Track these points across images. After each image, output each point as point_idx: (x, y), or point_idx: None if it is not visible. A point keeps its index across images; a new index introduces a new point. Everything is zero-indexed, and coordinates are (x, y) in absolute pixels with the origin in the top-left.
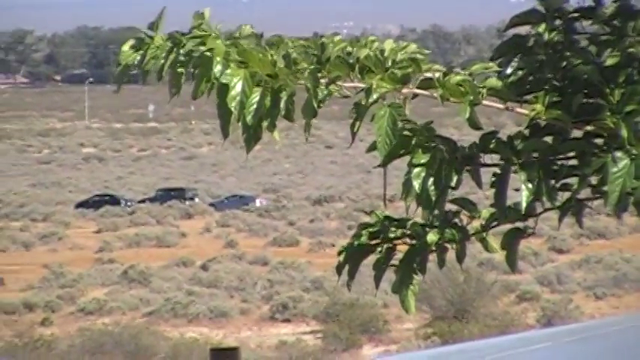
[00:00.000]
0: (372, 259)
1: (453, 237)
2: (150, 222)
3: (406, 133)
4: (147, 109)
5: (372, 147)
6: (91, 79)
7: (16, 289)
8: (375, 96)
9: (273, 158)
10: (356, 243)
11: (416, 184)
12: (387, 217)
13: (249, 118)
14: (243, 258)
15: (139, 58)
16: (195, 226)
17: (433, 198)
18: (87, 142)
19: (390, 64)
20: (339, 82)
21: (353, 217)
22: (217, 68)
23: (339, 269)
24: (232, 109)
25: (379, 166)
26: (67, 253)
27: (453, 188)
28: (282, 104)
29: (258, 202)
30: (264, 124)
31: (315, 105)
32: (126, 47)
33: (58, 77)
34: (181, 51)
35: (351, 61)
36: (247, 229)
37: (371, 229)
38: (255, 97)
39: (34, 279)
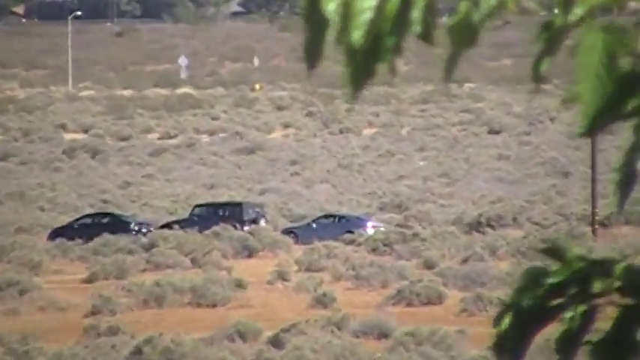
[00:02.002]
0: (553, 329)
1: None
2: (181, 262)
3: (634, 77)
4: (176, 64)
5: (572, 101)
6: (77, 12)
7: None
8: (579, 11)
9: (398, 150)
10: (526, 302)
11: None
12: (581, 258)
13: (357, 34)
14: (344, 325)
15: None
16: (261, 270)
17: None
18: (71, 124)
19: None
20: None
21: (537, 250)
22: None
23: (498, 346)
24: (328, 17)
25: (582, 135)
26: (37, 317)
27: None
28: (415, 13)
29: (371, 228)
30: (384, 45)
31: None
32: None
33: (19, 9)
34: None
35: None
36: (352, 274)
37: (554, 279)
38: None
39: None
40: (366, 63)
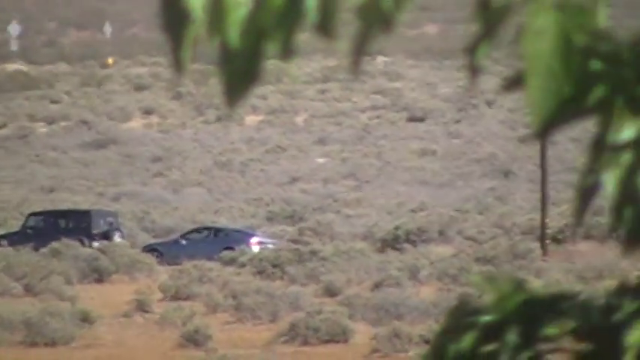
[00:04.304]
0: None
1: None
2: (11, 288)
3: (595, 65)
4: (5, 32)
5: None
6: None
7: None
8: None
9: (292, 143)
10: (453, 348)
11: (611, 186)
12: (525, 290)
13: (233, 33)
14: None
15: None
16: (115, 298)
17: None
18: None
19: None
20: None
21: (470, 272)
22: None
23: None
24: (192, 13)
25: (534, 138)
26: None
27: None
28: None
29: (256, 244)
30: (270, 45)
31: None
32: None
33: None
34: None
35: None
36: (232, 303)
37: (489, 317)
38: None
39: None
40: (246, 67)
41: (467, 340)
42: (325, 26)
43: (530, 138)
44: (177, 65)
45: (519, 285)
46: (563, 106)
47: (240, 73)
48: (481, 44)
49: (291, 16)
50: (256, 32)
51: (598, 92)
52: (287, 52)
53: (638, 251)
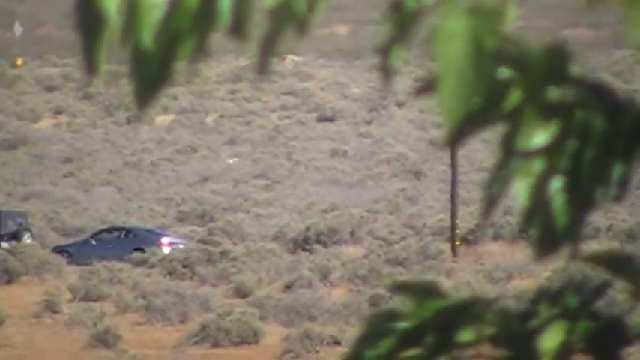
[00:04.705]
0: None
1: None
2: None
3: (506, 73)
4: None
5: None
6: None
7: None
8: None
9: (202, 143)
10: (371, 353)
11: (522, 193)
12: (441, 295)
13: (146, 36)
14: None
15: None
16: (24, 299)
17: (566, 230)
18: None
19: None
20: None
21: (381, 273)
22: None
23: None
24: (106, 16)
25: (445, 144)
26: None
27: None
28: (223, 3)
29: (167, 244)
30: (183, 47)
31: None
32: None
33: None
34: None
35: None
36: (142, 304)
37: (406, 323)
38: None
39: None
40: (158, 71)
41: (384, 346)
42: (238, 28)
43: (442, 143)
44: (90, 67)
45: (434, 289)
46: (474, 112)
47: (151, 76)
48: (394, 46)
49: (204, 18)
50: (170, 35)
51: (509, 98)
52: (200, 54)
53: (549, 256)
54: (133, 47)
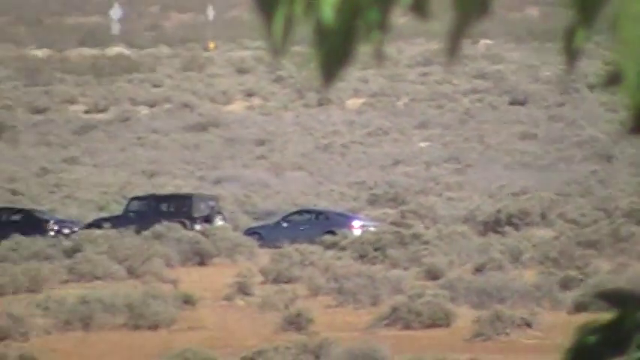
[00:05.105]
0: None
1: None
2: (113, 271)
3: None
4: (107, 16)
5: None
6: None
7: None
8: None
9: (393, 127)
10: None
11: None
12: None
13: (327, 10)
14: (323, 353)
15: None
16: (216, 282)
17: None
18: None
19: None
20: None
21: (572, 256)
22: None
23: None
24: None
25: (630, 132)
26: None
27: None
28: None
29: (358, 227)
30: (365, 23)
31: None
32: None
33: None
34: None
35: None
36: (334, 287)
37: (614, 319)
38: None
39: None
40: (341, 46)
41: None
42: (419, 6)
43: (626, 133)
44: (273, 44)
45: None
46: None
47: (335, 52)
48: (578, 28)
49: None
50: (351, 10)
51: None
52: (382, 30)
53: None
54: (315, 23)
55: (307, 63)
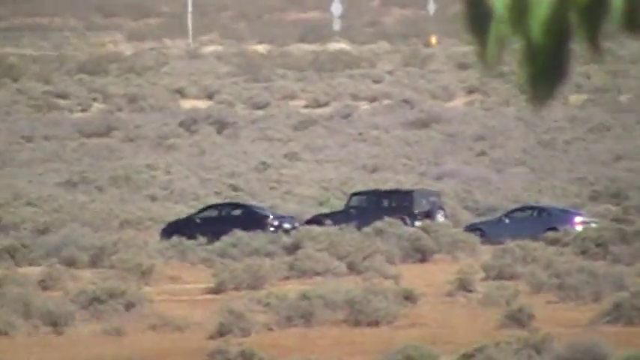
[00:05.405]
0: None
1: None
2: (334, 267)
3: None
4: (327, 12)
5: None
6: None
7: None
8: None
9: (615, 122)
10: None
11: None
12: None
13: (536, 29)
14: (545, 349)
15: None
16: (437, 278)
17: None
18: (191, 88)
19: None
20: None
21: None
22: None
23: None
24: (495, 10)
25: None
26: (147, 337)
27: None
28: None
29: (580, 223)
30: (574, 41)
31: None
32: None
33: None
34: None
35: None
36: (556, 283)
37: None
38: None
39: None
40: (550, 65)
41: None
42: (631, 26)
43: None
44: (484, 62)
45: None
46: None
47: (544, 70)
48: None
49: (595, 13)
50: (559, 29)
51: None
52: (593, 48)
53: None
54: (523, 40)
55: (518, 83)
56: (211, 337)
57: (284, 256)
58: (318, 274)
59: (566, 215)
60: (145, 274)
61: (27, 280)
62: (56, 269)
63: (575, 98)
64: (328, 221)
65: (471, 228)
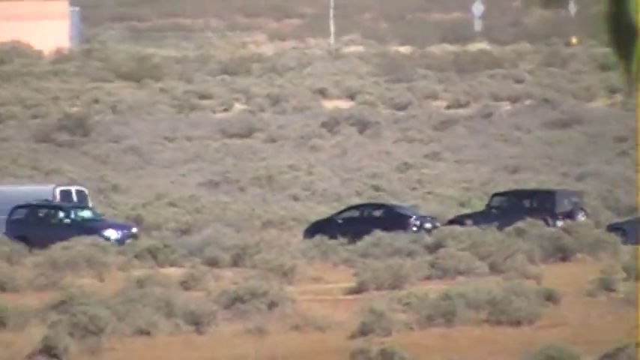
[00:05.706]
0: None
1: None
2: (475, 267)
3: None
4: (468, 12)
5: None
6: None
7: None
8: None
9: None
10: None
11: None
12: None
13: None
14: None
15: None
16: (579, 277)
17: None
18: (333, 88)
19: None
20: None
21: None
22: None
23: None
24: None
25: None
26: (290, 337)
27: None
28: None
29: None
30: None
31: None
32: None
33: None
34: None
35: None
36: None
37: None
38: None
39: None
40: None
41: None
42: None
43: None
44: (628, 77)
45: None
46: None
47: None
48: None
49: None
50: None
51: None
52: None
53: None
54: None
55: None
56: (352, 337)
57: (425, 255)
58: (459, 273)
59: None
60: (287, 273)
61: (169, 281)
62: (198, 269)
63: None
64: (469, 221)
65: (613, 227)
